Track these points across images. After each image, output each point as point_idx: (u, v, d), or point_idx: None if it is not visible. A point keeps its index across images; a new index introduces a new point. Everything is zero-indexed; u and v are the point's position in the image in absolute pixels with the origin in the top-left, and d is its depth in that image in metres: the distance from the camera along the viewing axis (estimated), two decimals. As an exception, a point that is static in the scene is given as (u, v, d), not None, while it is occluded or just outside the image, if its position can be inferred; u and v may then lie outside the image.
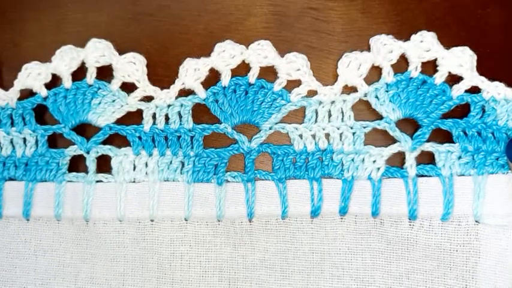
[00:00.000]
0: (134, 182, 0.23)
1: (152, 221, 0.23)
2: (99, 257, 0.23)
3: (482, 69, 0.22)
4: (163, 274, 0.23)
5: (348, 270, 0.22)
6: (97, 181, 0.23)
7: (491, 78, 0.22)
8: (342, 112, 0.23)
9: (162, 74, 0.23)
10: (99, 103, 0.23)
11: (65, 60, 0.23)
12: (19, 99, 0.24)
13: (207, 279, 0.23)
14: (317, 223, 0.23)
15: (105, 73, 0.23)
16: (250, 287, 0.23)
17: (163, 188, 0.23)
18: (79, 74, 0.23)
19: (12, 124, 0.24)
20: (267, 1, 0.23)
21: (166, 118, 0.23)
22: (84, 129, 0.24)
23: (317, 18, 0.23)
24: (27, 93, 0.24)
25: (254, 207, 0.23)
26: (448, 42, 0.22)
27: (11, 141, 0.24)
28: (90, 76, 0.23)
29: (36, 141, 0.24)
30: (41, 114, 0.24)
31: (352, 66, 0.23)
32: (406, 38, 0.22)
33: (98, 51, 0.23)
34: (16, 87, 0.23)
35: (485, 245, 0.21)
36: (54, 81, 0.24)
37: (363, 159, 0.23)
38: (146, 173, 0.23)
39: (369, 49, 0.23)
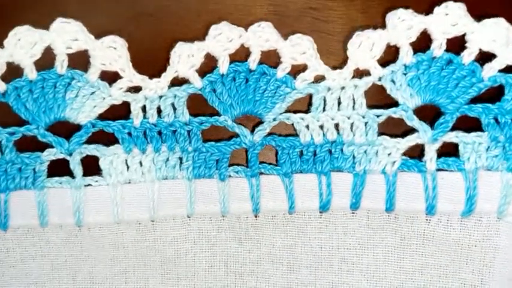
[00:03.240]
0: (130, 183, 0.20)
1: (153, 221, 0.21)
2: (97, 258, 0.21)
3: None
4: (168, 270, 0.21)
5: (358, 265, 0.21)
6: (86, 185, 0.21)
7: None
8: (353, 99, 0.20)
9: (161, 74, 0.21)
10: (76, 96, 0.20)
11: (24, 46, 0.19)
12: None
13: (213, 273, 0.21)
14: (326, 218, 0.20)
15: (75, 60, 0.20)
16: (256, 281, 0.21)
17: (163, 187, 0.20)
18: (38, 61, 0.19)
19: None
20: (267, 1, 0.21)
21: (158, 111, 0.20)
22: (58, 128, 0.20)
23: (317, 18, 0.21)
24: None
25: (259, 203, 0.20)
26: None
27: None
28: (61, 65, 0.19)
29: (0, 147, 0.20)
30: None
31: (363, 47, 0.19)
32: (428, 12, 0.19)
33: (68, 35, 0.19)
34: None
35: (505, 240, 0.20)
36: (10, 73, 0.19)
37: (377, 152, 0.20)
38: (142, 173, 0.21)
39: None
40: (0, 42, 0.20)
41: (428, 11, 0.20)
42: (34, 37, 0.19)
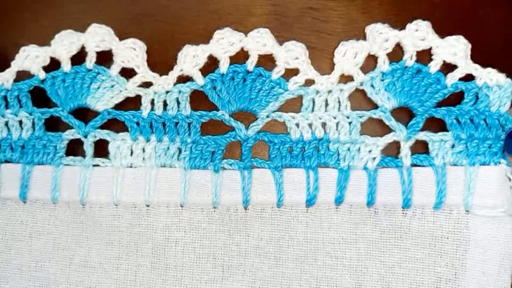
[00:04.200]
0: (131, 167, 0.24)
1: (148, 206, 0.25)
2: (94, 240, 0.24)
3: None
4: (158, 259, 0.24)
5: (342, 260, 0.23)
6: (94, 165, 0.25)
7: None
8: (339, 101, 0.24)
9: (161, 74, 0.24)
10: (98, 88, 0.25)
11: (64, 44, 0.24)
12: (15, 81, 0.24)
13: (200, 266, 0.24)
14: (312, 212, 0.24)
15: (105, 58, 0.25)
16: (243, 274, 0.24)
17: (160, 173, 0.24)
18: (78, 58, 0.25)
19: (7, 106, 0.25)
20: (267, 1, 0.24)
21: (165, 104, 0.25)
22: (83, 114, 0.25)
23: (317, 18, 0.23)
24: (23, 77, 0.24)
25: (250, 195, 0.24)
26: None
27: (6, 124, 0.25)
28: (90, 61, 0.25)
29: (33, 124, 0.25)
30: (38, 97, 0.25)
31: (348, 55, 0.24)
32: (402, 27, 0.23)
33: (99, 36, 0.24)
34: (13, 68, 0.24)
35: (474, 234, 0.23)
36: (53, 66, 0.25)
37: (359, 149, 0.23)
38: (143, 159, 0.24)
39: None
40: (1, 41, 0.24)
41: (427, 11, 0.23)
42: (73, 38, 0.24)
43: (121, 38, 0.24)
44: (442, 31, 0.23)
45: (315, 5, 0.23)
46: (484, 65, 0.23)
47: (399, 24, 0.23)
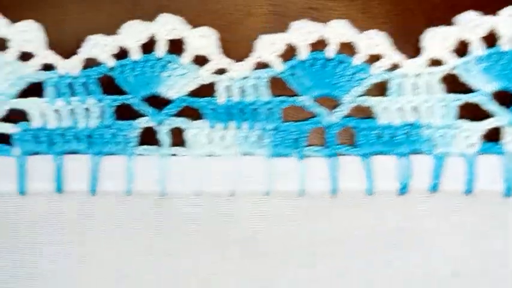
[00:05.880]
0: (210, 156, 0.23)
1: (231, 195, 0.23)
2: (174, 231, 0.23)
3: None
4: (246, 248, 0.23)
5: (440, 248, 0.22)
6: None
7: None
8: (430, 85, 0.23)
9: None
10: (169, 76, 0.24)
11: (132, 33, 0.24)
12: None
13: (287, 254, 0.22)
14: (404, 200, 0.23)
15: (172, 47, 0.24)
16: (333, 262, 0.22)
17: (243, 162, 0.23)
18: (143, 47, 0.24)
19: (73, 94, 0.24)
20: (267, 1, 0.24)
21: (242, 91, 0.24)
22: (152, 102, 0.24)
23: (317, 18, 0.23)
24: (87, 66, 0.24)
25: (337, 183, 0.22)
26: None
27: (72, 112, 0.24)
28: (160, 49, 0.24)
29: (102, 113, 0.24)
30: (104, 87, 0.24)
31: (437, 39, 0.23)
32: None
33: (169, 25, 0.23)
34: (80, 55, 0.24)
35: None
36: (119, 56, 0.24)
37: (456, 135, 0.22)
38: (224, 147, 0.23)
39: None
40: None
41: (428, 11, 0.23)
42: (141, 27, 0.24)
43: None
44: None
45: (315, 5, 0.23)
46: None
47: (399, 24, 0.23)
